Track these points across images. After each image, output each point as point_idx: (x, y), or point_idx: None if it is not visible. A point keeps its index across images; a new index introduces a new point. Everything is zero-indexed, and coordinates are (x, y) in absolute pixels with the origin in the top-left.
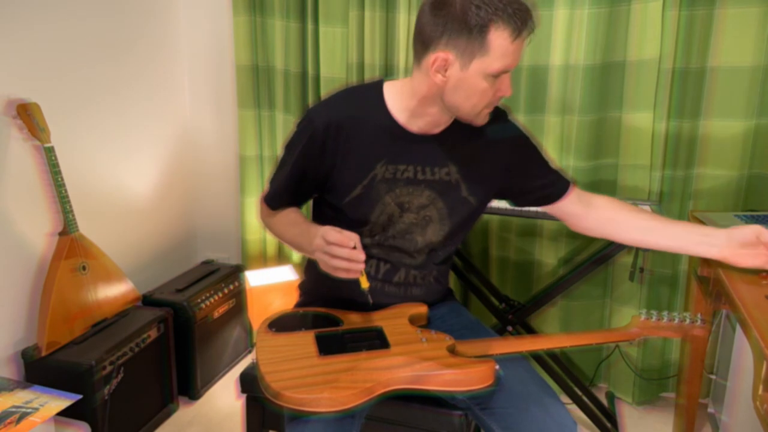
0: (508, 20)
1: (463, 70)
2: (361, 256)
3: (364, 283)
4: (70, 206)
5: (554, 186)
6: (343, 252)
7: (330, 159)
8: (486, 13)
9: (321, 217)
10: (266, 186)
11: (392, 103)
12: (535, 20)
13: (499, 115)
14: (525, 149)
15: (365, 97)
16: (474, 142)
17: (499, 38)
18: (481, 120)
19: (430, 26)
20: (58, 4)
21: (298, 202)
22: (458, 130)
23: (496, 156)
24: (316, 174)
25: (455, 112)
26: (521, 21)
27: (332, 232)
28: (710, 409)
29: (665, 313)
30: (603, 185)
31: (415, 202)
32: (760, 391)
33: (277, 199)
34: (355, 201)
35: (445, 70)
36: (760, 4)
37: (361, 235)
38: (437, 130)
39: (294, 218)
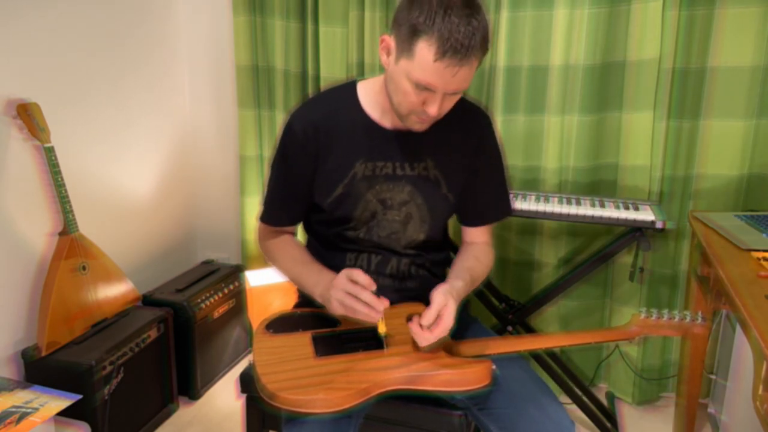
0: (438, 39)
1: (396, 62)
2: (384, 303)
3: (382, 328)
4: (70, 206)
5: (486, 213)
6: (367, 296)
7: (312, 161)
8: (424, 20)
9: (307, 220)
10: (260, 207)
11: (365, 101)
12: (470, 57)
13: (479, 119)
14: (489, 159)
15: (339, 97)
16: (448, 140)
17: (423, 50)
18: (410, 124)
19: (398, 7)
20: (59, 5)
21: (291, 217)
22: (432, 127)
23: (466, 157)
24: (303, 178)
25: (390, 102)
26: (451, 49)
27: (361, 274)
28: (710, 409)
29: (665, 311)
30: (603, 185)
31: (397, 198)
32: (760, 391)
33: (270, 212)
34: (338, 200)
35: (387, 54)
36: (760, 4)
37: (345, 231)
38: None
39: (300, 256)
